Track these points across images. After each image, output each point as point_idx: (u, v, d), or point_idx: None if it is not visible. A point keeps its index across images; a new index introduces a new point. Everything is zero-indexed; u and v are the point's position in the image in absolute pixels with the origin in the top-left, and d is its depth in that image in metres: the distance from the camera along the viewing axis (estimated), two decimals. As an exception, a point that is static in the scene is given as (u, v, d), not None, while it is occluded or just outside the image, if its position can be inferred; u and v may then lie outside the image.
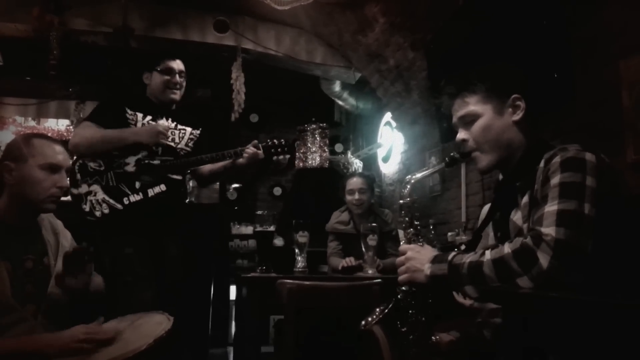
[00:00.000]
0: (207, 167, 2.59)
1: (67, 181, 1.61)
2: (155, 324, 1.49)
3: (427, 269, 1.25)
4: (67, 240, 1.70)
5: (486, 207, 2.35)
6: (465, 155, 1.39)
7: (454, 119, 1.40)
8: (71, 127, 5.70)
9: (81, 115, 5.55)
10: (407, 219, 1.40)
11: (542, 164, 1.23)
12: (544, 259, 1.06)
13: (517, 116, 1.33)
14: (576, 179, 1.13)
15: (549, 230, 1.08)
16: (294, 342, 1.92)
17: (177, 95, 2.50)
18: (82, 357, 1.36)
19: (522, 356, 1.19)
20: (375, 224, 2.61)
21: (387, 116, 5.21)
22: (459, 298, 1.80)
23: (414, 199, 1.40)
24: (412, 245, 1.35)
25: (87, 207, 2.28)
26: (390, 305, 1.34)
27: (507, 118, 1.33)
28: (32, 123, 5.88)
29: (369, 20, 3.97)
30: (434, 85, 3.82)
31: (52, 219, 1.70)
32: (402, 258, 1.32)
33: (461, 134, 1.38)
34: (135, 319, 1.58)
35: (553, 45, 2.57)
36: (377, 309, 1.37)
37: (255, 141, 2.46)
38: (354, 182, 3.02)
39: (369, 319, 1.35)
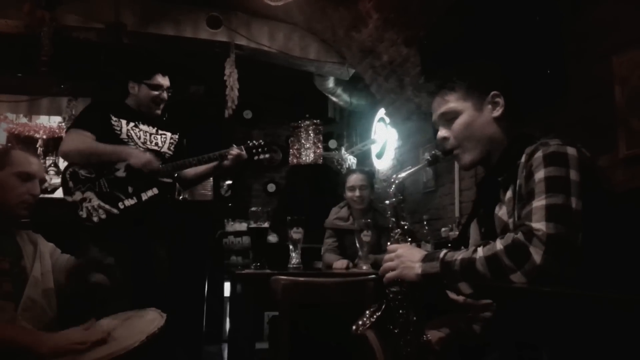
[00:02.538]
0: (190, 171, 2.67)
1: (39, 189, 1.69)
2: (148, 321, 1.48)
3: (418, 267, 1.24)
4: (47, 248, 1.74)
5: (479, 203, 2.36)
6: (447, 153, 1.40)
7: (434, 117, 1.41)
8: (63, 124, 5.65)
9: (73, 112, 5.50)
10: (393, 219, 1.39)
11: (523, 158, 1.23)
12: (536, 254, 1.07)
13: (497, 112, 1.34)
14: (560, 173, 1.14)
15: (539, 225, 1.09)
16: (289, 338, 1.92)
17: (160, 110, 2.60)
18: (75, 355, 1.35)
19: (515, 351, 1.20)
20: (369, 220, 2.62)
21: (381, 112, 5.22)
22: (452, 295, 1.81)
23: (400, 199, 1.40)
24: (402, 244, 1.35)
25: (84, 214, 2.31)
26: (382, 308, 1.34)
27: (487, 114, 1.34)
28: (23, 120, 5.82)
29: (363, 16, 3.96)
30: (427, 82, 3.82)
31: (31, 233, 1.74)
32: (391, 255, 1.32)
33: (442, 132, 1.39)
34: (128, 317, 1.58)
35: (546, 40, 2.57)
36: (367, 311, 1.37)
37: (235, 146, 2.58)
38: (355, 179, 3.02)
39: (360, 323, 1.35)
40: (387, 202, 1.41)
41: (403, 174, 1.42)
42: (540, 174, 1.16)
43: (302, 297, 1.97)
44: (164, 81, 2.57)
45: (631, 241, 1.14)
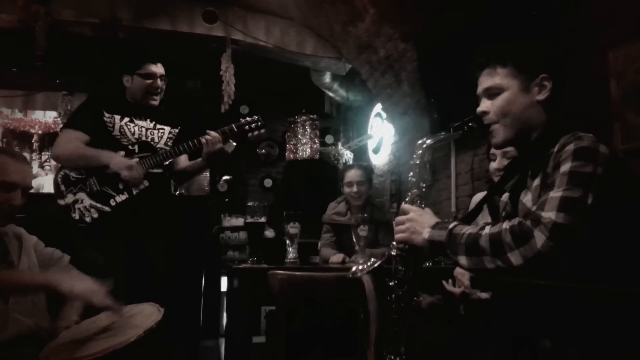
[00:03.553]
0: (182, 165, 2.63)
1: (20, 200, 1.62)
2: (145, 315, 1.48)
3: (426, 232, 1.27)
4: (31, 241, 1.74)
5: (476, 197, 2.38)
6: (483, 127, 1.39)
7: (479, 90, 1.40)
8: (59, 119, 5.65)
9: (68, 107, 5.49)
10: (414, 179, 1.41)
11: (556, 148, 1.23)
12: (539, 239, 1.08)
13: (542, 96, 1.33)
14: (586, 169, 1.14)
15: (549, 214, 1.10)
16: (285, 332, 1.93)
17: (156, 101, 2.53)
18: (73, 350, 1.36)
19: (511, 344, 1.21)
20: (366, 215, 2.62)
21: (378, 107, 5.22)
22: (449, 287, 1.82)
23: (425, 162, 1.41)
24: (415, 207, 1.37)
25: (76, 215, 2.33)
26: (383, 259, 1.37)
27: (532, 96, 1.33)
28: (19, 115, 5.81)
29: (359, 10, 3.95)
30: (424, 77, 3.82)
31: (15, 228, 1.73)
32: (403, 217, 1.34)
33: (483, 106, 1.39)
34: (126, 311, 1.58)
35: (543, 35, 2.57)
36: (370, 260, 1.40)
37: (209, 131, 2.47)
38: (353, 175, 3.01)
39: (360, 268, 1.38)
40: (411, 162, 1.42)
41: (429, 141, 1.42)
42: (565, 167, 1.17)
43: (299, 292, 1.97)
44: (157, 69, 2.51)
45: (629, 236, 1.15)
